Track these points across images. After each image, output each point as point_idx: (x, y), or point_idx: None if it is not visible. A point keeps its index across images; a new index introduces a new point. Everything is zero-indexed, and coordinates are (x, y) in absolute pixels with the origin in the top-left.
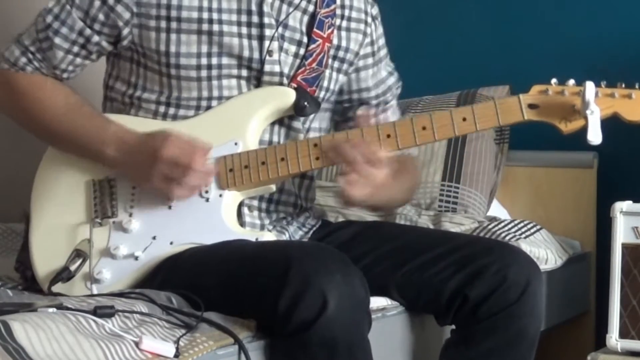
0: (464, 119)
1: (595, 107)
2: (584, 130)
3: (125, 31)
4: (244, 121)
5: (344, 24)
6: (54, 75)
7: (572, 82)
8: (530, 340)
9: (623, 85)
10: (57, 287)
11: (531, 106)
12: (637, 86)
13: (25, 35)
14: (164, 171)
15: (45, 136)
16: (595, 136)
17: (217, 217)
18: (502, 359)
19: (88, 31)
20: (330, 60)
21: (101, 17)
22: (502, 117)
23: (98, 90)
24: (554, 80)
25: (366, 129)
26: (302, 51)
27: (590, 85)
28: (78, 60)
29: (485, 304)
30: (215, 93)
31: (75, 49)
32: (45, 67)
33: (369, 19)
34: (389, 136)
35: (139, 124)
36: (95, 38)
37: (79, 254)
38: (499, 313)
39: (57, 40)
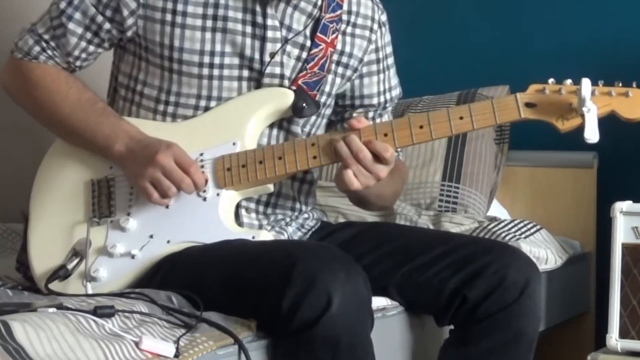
0: (461, 118)
1: (592, 105)
2: (581, 128)
3: (130, 21)
4: (242, 122)
5: (349, 29)
6: (67, 63)
7: (569, 81)
8: (529, 340)
9: (620, 84)
10: (53, 285)
11: (528, 105)
12: (634, 85)
13: (39, 24)
14: (155, 175)
15: (54, 127)
16: (592, 134)
17: (214, 216)
18: (500, 359)
19: (100, 18)
20: (333, 66)
21: (112, 3)
22: (499, 116)
23: (103, 86)
24: (551, 80)
25: (364, 128)
26: (304, 55)
27: (586, 83)
28: (91, 47)
29: (484, 304)
30: (215, 93)
31: (88, 35)
32: (59, 55)
33: (375, 26)
34: (386, 135)
35: (140, 127)
36: (107, 25)
37: (76, 252)
38: (497, 313)
39: (71, 25)
